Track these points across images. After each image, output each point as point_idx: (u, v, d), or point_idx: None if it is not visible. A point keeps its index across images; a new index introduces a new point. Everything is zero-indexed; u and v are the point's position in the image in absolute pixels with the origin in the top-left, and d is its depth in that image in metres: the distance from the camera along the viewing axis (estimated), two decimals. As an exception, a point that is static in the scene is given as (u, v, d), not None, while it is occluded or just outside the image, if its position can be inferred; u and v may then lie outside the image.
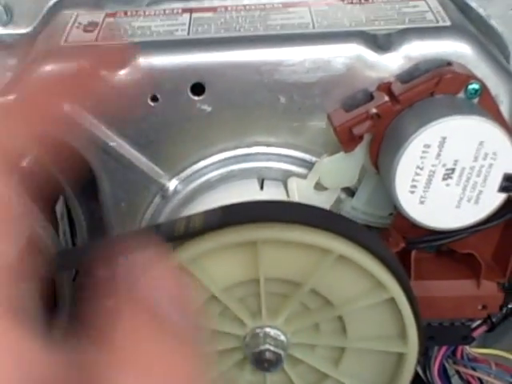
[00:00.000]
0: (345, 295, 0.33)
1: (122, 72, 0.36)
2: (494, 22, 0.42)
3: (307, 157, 0.39)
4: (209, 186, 0.39)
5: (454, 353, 0.43)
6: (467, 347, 0.43)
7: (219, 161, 0.39)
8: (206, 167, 0.39)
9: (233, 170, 0.39)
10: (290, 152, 0.39)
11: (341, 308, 0.34)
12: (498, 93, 0.37)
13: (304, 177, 0.39)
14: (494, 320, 0.42)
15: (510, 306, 0.42)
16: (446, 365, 0.43)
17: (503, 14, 0.42)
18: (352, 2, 0.40)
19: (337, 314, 0.34)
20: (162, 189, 0.39)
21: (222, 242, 0.31)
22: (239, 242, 0.31)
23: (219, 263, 0.32)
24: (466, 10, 0.41)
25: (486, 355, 0.44)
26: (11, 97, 0.37)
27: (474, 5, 0.42)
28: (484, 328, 0.42)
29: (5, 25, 0.42)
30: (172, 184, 0.39)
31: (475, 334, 0.42)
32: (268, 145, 0.39)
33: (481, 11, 0.42)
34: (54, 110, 0.35)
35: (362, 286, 0.33)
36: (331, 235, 0.31)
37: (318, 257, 0.32)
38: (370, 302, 0.33)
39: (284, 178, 0.39)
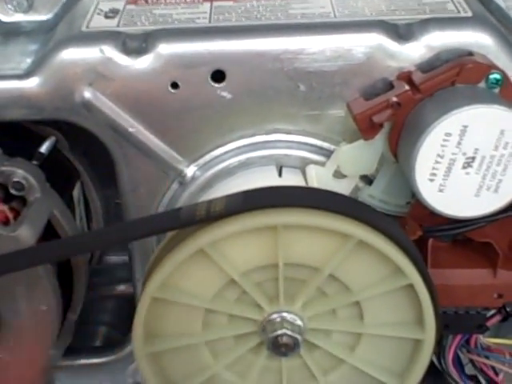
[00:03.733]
0: (363, 281, 0.34)
1: (144, 58, 0.37)
2: (512, 14, 0.42)
3: (325, 145, 0.39)
4: (227, 173, 0.39)
5: (467, 342, 0.43)
6: (481, 337, 0.43)
7: (238, 147, 0.39)
8: (224, 154, 0.39)
9: (251, 156, 0.39)
10: (309, 140, 0.39)
11: (359, 294, 0.34)
12: (517, 83, 0.37)
13: (322, 165, 0.39)
14: (508, 310, 0.42)
15: (524, 297, 0.42)
16: (460, 354, 0.43)
17: (523, 6, 0.42)
18: (373, -8, 0.40)
19: (354, 299, 0.34)
20: (180, 175, 0.40)
21: (243, 226, 0.31)
22: (260, 227, 0.31)
23: (239, 248, 0.32)
24: (486, 2, 0.42)
25: (500, 345, 0.44)
26: (33, 80, 0.37)
27: (494, -4, 0.42)
28: (498, 318, 0.42)
29: (26, 12, 0.43)
30: (190, 170, 0.40)
31: (489, 323, 0.42)
32: (287, 132, 0.39)
33: (500, 3, 0.42)
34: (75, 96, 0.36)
35: (381, 271, 0.33)
36: (351, 221, 0.31)
37: (338, 242, 0.32)
38: (388, 288, 0.33)
39: (302, 166, 0.39)
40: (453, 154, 0.34)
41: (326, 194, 0.33)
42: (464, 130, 0.34)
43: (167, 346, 0.34)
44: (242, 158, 0.39)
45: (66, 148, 0.44)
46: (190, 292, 0.33)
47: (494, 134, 0.34)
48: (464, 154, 0.34)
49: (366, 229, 0.32)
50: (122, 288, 0.54)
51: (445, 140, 0.34)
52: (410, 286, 0.33)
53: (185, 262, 0.32)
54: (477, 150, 0.34)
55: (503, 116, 0.33)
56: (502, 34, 0.37)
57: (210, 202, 0.32)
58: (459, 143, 0.34)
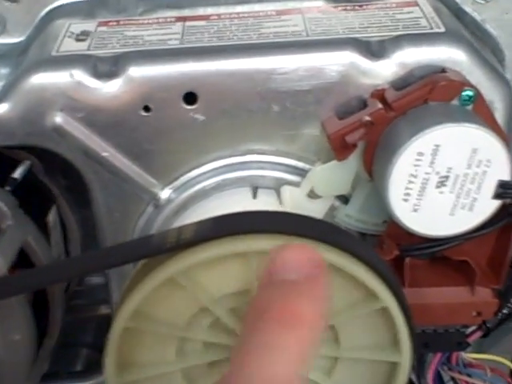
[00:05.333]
0: (337, 304, 0.33)
1: (114, 82, 0.36)
2: (488, 26, 0.42)
3: (301, 164, 0.39)
4: (202, 195, 0.39)
5: (448, 359, 0.43)
6: (462, 353, 0.43)
7: (213, 169, 0.39)
8: (199, 176, 0.39)
9: (226, 178, 0.39)
10: (284, 160, 0.39)
11: (333, 317, 0.34)
12: (492, 99, 0.37)
13: (298, 185, 0.38)
14: (489, 325, 0.42)
15: (505, 312, 0.42)
16: (441, 371, 0.43)
17: (498, 18, 0.42)
18: (346, 9, 0.40)
19: (329, 323, 0.34)
20: (155, 198, 0.39)
21: (214, 253, 0.31)
22: (231, 254, 0.31)
23: (210, 274, 0.32)
24: (461, 15, 0.41)
25: (482, 360, 0.44)
26: (3, 106, 0.37)
27: (468, 9, 0.42)
28: (479, 333, 0.42)
29: (-1, 34, 0.42)
30: (165, 193, 0.39)
31: (470, 339, 0.42)
32: (261, 153, 0.39)
33: (475, 15, 0.42)
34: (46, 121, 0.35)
35: (355, 295, 0.33)
36: (321, 244, 0.31)
37: None
38: (362, 312, 0.33)
39: (277, 187, 0.39)
40: (426, 173, 0.34)
41: (296, 217, 0.33)
42: (436, 149, 0.33)
43: (141, 375, 0.33)
44: (217, 179, 0.39)
45: (41, 172, 0.43)
46: (163, 320, 0.32)
47: (466, 153, 0.34)
48: (437, 173, 0.34)
49: (336, 252, 0.31)
50: (103, 309, 0.53)
51: (417, 160, 0.34)
52: (385, 309, 0.33)
53: (155, 290, 0.31)
54: (450, 168, 0.34)
55: (475, 134, 0.33)
56: (476, 49, 0.37)
57: (181, 228, 0.32)
58: (432, 162, 0.34)
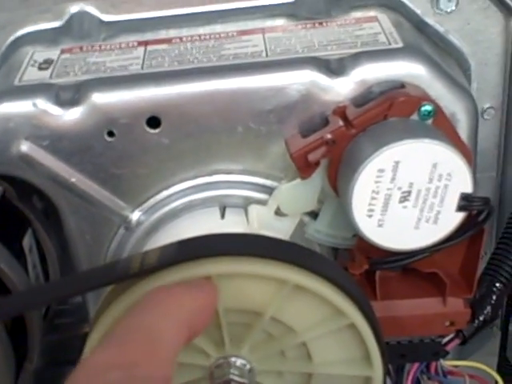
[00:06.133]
0: (305, 322, 0.33)
1: (77, 109, 0.37)
2: (452, 37, 0.42)
3: (268, 182, 0.39)
4: (172, 216, 0.39)
5: (427, 367, 0.43)
6: (442, 360, 0.43)
7: (180, 190, 0.39)
8: (167, 197, 0.39)
9: (194, 199, 0.39)
10: (251, 179, 0.39)
11: (303, 334, 0.34)
12: (454, 111, 0.37)
13: (266, 203, 0.39)
14: (466, 333, 0.42)
15: (481, 319, 0.42)
16: (421, 380, 0.43)
17: (461, 29, 0.42)
18: (306, 27, 0.40)
19: (300, 340, 0.34)
20: (126, 220, 0.40)
21: (176, 278, 0.31)
22: (193, 278, 0.31)
23: None
24: (423, 27, 0.42)
25: (462, 367, 0.44)
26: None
27: (430, 21, 0.42)
28: (457, 341, 0.42)
29: (-35, 63, 0.43)
30: (135, 215, 0.40)
31: (448, 347, 0.42)
32: (228, 172, 0.39)
33: (438, 27, 0.42)
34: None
35: (322, 313, 0.33)
36: (285, 265, 0.31)
37: (274, 287, 0.32)
38: (330, 328, 0.33)
39: (246, 205, 0.39)
40: (388, 189, 0.34)
41: (259, 239, 0.33)
42: (396, 165, 0.34)
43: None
44: (186, 200, 0.39)
45: (15, 197, 0.44)
46: None
47: (426, 168, 0.34)
48: (399, 188, 0.34)
49: (300, 272, 0.31)
50: (88, 327, 0.53)
51: (378, 176, 0.34)
52: (353, 325, 0.33)
53: (122, 317, 0.32)
54: (411, 184, 0.34)
55: (434, 149, 0.33)
56: (435, 62, 0.37)
57: (144, 254, 0.32)
58: (393, 178, 0.34)
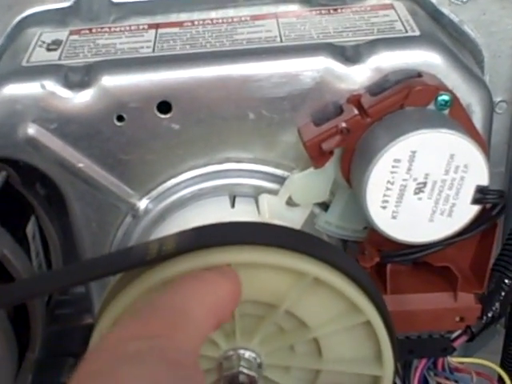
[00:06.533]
0: (320, 317, 0.33)
1: (87, 92, 0.36)
2: (466, 28, 0.42)
3: (279, 172, 0.38)
4: (180, 205, 0.39)
5: (435, 364, 0.43)
6: (448, 357, 0.43)
7: (190, 178, 0.38)
8: (176, 185, 0.38)
9: (204, 187, 0.38)
10: (262, 167, 0.38)
11: (316, 330, 0.33)
12: (470, 102, 0.37)
13: (276, 192, 0.38)
14: (474, 330, 0.42)
15: (489, 315, 0.41)
16: (427, 376, 0.43)
17: (476, 19, 0.41)
18: (321, 13, 0.39)
19: (312, 335, 0.33)
20: (133, 208, 0.39)
21: (195, 265, 0.30)
22: (212, 265, 0.30)
23: None
24: (438, 17, 0.41)
25: (469, 364, 0.44)
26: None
27: (445, 11, 0.41)
28: (464, 338, 0.42)
29: (-31, 44, 0.42)
30: (143, 203, 0.39)
31: (456, 344, 0.41)
32: (239, 161, 0.38)
33: (453, 17, 0.41)
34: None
35: (338, 308, 0.32)
36: (306, 258, 0.31)
37: (293, 279, 0.31)
38: (345, 325, 0.33)
39: (256, 194, 0.38)
40: (403, 180, 0.33)
41: (280, 229, 0.32)
42: (413, 155, 0.33)
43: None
44: (195, 188, 0.38)
45: (19, 183, 0.43)
46: None
47: (443, 159, 0.33)
48: (415, 179, 0.34)
49: (320, 266, 0.31)
50: (89, 318, 0.53)
51: (394, 167, 0.33)
52: (368, 323, 0.32)
53: (133, 304, 0.31)
54: (427, 175, 0.33)
55: (451, 140, 0.33)
56: (452, 52, 0.37)
57: (162, 240, 0.31)
58: (409, 169, 0.33)
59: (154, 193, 0.39)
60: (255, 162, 0.38)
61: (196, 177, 0.38)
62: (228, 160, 0.38)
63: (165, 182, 0.38)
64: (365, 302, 0.31)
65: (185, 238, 0.31)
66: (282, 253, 0.31)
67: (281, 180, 0.38)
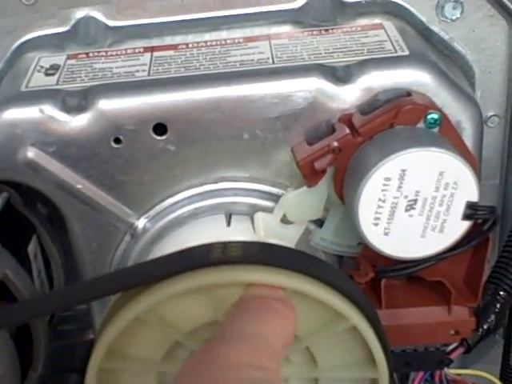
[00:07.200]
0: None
1: (84, 115, 0.37)
2: (457, 45, 0.42)
3: (274, 190, 0.39)
4: (177, 223, 0.39)
5: (432, 375, 0.43)
6: (446, 369, 0.43)
7: (186, 198, 0.39)
8: (173, 205, 0.39)
9: (200, 206, 0.39)
10: (257, 186, 0.39)
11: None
12: (460, 119, 0.37)
13: (271, 210, 0.39)
14: (470, 342, 0.42)
15: (485, 327, 0.42)
16: (425, 388, 0.43)
17: (466, 37, 0.42)
18: (312, 34, 0.40)
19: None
20: (131, 227, 0.40)
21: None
22: (263, 282, 0.31)
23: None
24: (428, 35, 0.42)
25: (465, 375, 0.44)
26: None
27: (435, 29, 0.42)
28: (461, 350, 0.42)
29: (-30, 69, 0.42)
30: (141, 222, 0.39)
31: (452, 356, 0.42)
32: (234, 180, 0.39)
33: (443, 35, 0.42)
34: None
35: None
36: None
37: None
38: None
39: (252, 213, 0.39)
40: (394, 197, 0.34)
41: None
42: (403, 173, 0.34)
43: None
44: (191, 207, 0.39)
45: (20, 203, 0.43)
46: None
47: (433, 176, 0.34)
48: (405, 197, 0.34)
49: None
50: (92, 334, 0.53)
51: (385, 185, 0.34)
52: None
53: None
54: (418, 192, 0.34)
55: (441, 158, 0.33)
56: (441, 70, 0.37)
57: (224, 244, 0.31)
58: (400, 187, 0.34)
59: (152, 212, 0.39)
60: (250, 180, 0.39)
61: (192, 196, 0.39)
62: (223, 179, 0.39)
63: (162, 201, 0.39)
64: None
65: (250, 248, 0.31)
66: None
67: (276, 198, 0.39)
